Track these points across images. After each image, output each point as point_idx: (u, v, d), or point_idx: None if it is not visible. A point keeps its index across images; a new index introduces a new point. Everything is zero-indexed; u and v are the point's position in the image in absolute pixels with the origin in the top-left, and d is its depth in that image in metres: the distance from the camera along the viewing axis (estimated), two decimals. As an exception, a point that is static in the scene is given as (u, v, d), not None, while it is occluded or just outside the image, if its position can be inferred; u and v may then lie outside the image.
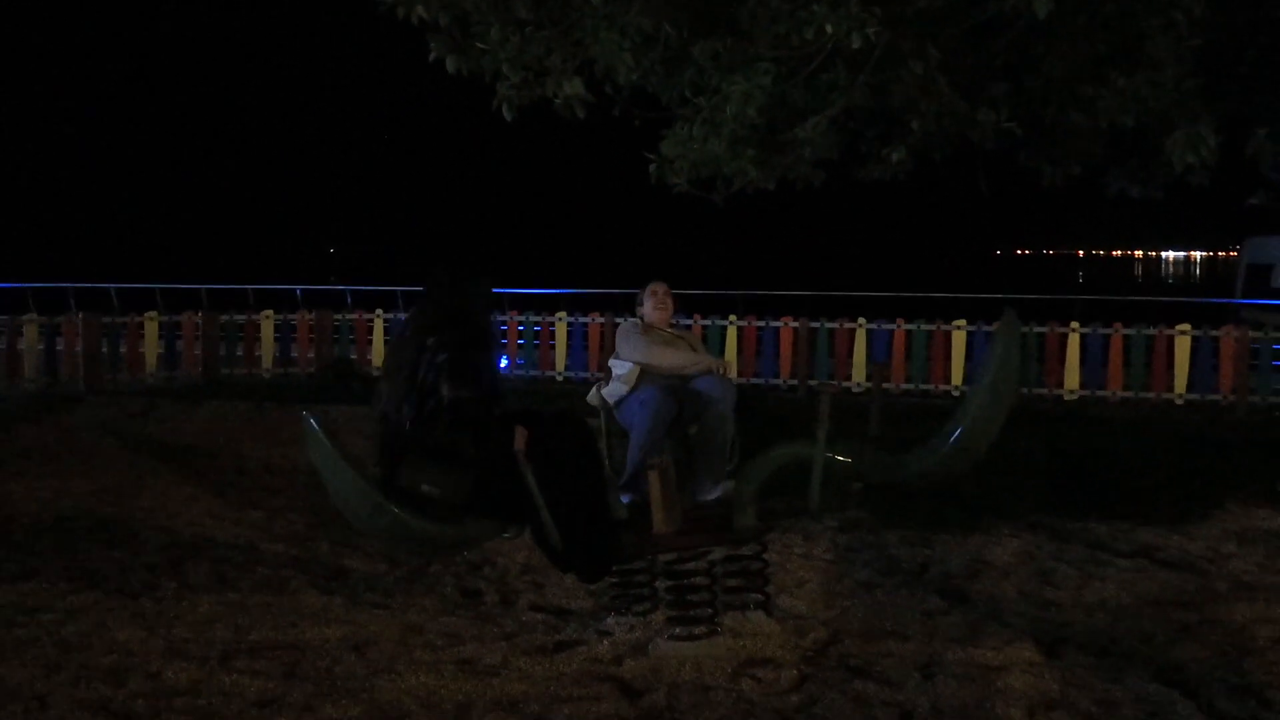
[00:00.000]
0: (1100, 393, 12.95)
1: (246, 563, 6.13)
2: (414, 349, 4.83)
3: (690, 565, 5.04)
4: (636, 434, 5.76)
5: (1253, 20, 8.08)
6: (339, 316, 15.18)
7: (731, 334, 13.83)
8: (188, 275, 27.12)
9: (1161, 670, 4.65)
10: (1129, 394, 12.87)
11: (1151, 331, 12.92)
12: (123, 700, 4.24)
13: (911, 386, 13.32)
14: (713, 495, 5.59)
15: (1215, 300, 24.37)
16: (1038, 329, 13.12)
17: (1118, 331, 12.99)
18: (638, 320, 6.55)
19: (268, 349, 14.67)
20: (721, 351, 13.44)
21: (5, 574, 5.79)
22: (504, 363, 14.82)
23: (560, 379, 14.32)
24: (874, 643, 4.95)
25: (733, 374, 6.16)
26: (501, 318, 14.88)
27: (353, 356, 14.87)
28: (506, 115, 6.99)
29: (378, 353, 14.71)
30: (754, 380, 13.64)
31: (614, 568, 5.08)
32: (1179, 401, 12.72)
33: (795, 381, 13.62)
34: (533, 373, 14.48)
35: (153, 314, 14.32)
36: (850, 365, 13.55)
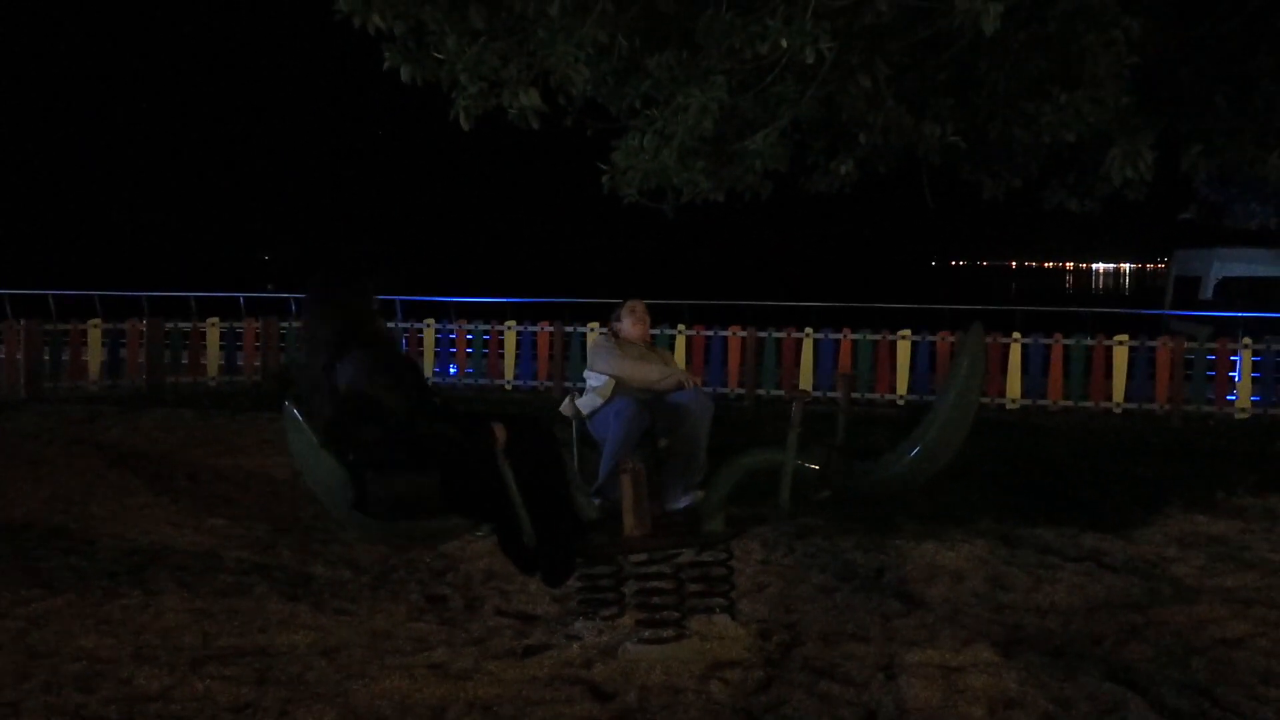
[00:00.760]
0: (1041, 401, 13.23)
1: (208, 570, 6.13)
2: (321, 371, 4.78)
3: (656, 569, 5.12)
4: (610, 443, 5.85)
5: (1187, 40, 8.34)
6: (285, 324, 15.10)
7: (680, 343, 13.95)
8: (124, 282, 26.74)
9: (1113, 669, 4.80)
10: (1069, 403, 13.17)
11: (1090, 342, 13.23)
12: (95, 706, 4.25)
13: (858, 395, 13.52)
14: (682, 504, 5.69)
15: (1146, 311, 24.91)
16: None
17: (1058, 342, 13.29)
18: (611, 335, 6.63)
19: (213, 357, 14.57)
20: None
21: (-38, 583, 5.74)
22: (452, 371, 14.83)
23: (509, 387, 14.36)
24: (836, 645, 5.07)
25: (696, 384, 6.27)
26: (450, 326, 14.90)
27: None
28: (464, 125, 7.02)
29: (324, 361, 14.65)
30: (703, 390, 13.74)
31: (580, 572, 5.15)
32: (1117, 410, 13.03)
33: (743, 390, 13.76)
34: (481, 381, 14.51)
35: (96, 321, 14.16)
36: (797, 374, 13.71)
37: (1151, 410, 12.97)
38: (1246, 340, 13.14)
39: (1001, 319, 16.13)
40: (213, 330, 14.59)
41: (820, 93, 7.53)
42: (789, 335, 13.79)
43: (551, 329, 14.28)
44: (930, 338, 13.45)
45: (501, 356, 14.55)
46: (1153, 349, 13.12)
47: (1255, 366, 13.02)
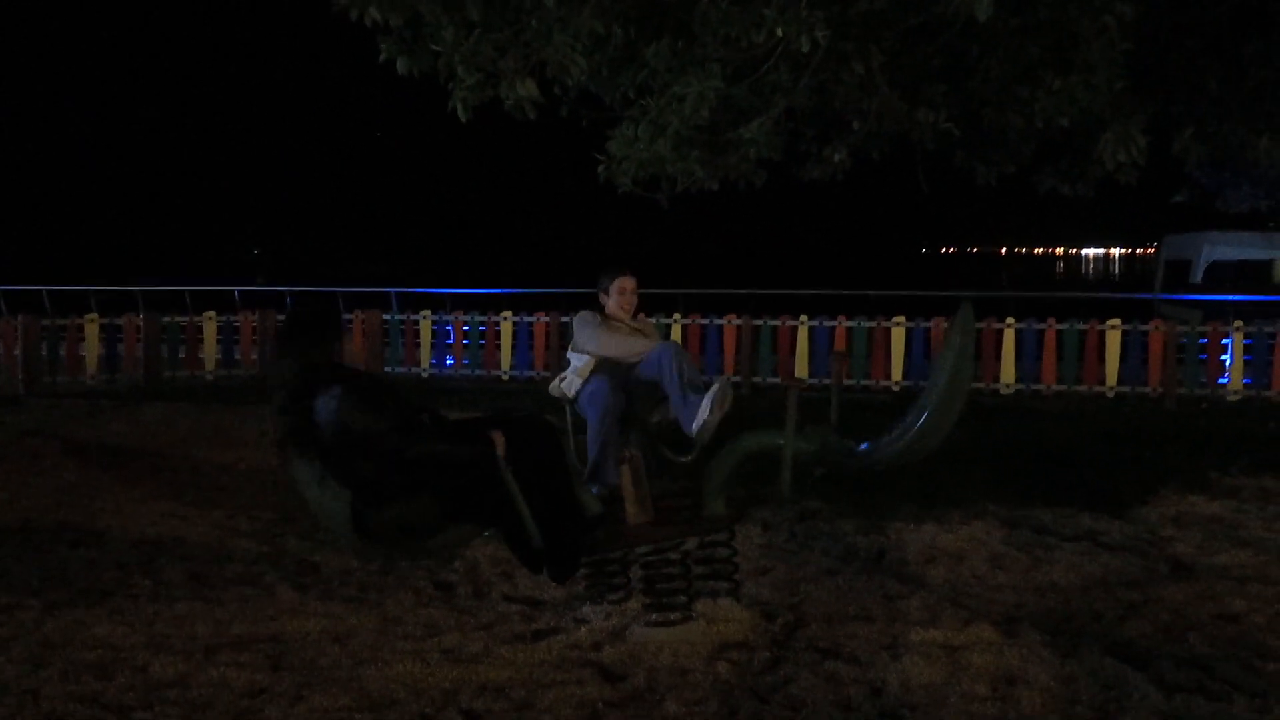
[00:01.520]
0: (1035, 386, 13.32)
1: (217, 560, 6.19)
2: (301, 407, 4.81)
3: (662, 554, 5.19)
4: (591, 428, 5.90)
5: (1179, 25, 8.40)
6: (282, 316, 15.12)
7: (676, 332, 14.01)
8: (118, 276, 26.75)
9: (1113, 646, 4.89)
10: (1063, 387, 13.26)
11: (1083, 326, 13.31)
12: (113, 693, 4.31)
13: (853, 382, 13.59)
14: (701, 418, 5.62)
15: (1136, 296, 25.02)
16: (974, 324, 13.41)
17: (1051, 326, 13.37)
18: (595, 312, 6.59)
19: (210, 350, 14.60)
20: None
21: (-27, 577, 5.79)
22: (449, 362, 14.89)
23: (506, 378, 14.41)
24: (840, 625, 5.15)
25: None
26: (446, 318, 14.94)
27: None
28: (461, 116, 7.06)
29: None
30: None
31: (587, 558, 5.21)
32: (1110, 394, 13.13)
33: (739, 378, 13.83)
34: (478, 372, 14.57)
35: (93, 316, 14.19)
36: (793, 362, 13.78)
37: (1145, 393, 13.06)
38: (1238, 323, 13.24)
39: (994, 305, 16.20)
40: (209, 324, 14.62)
41: (814, 81, 7.58)
42: (784, 323, 13.86)
43: (547, 319, 14.34)
44: (924, 324, 13.53)
45: (498, 347, 14.60)
46: (1145, 333, 13.21)
47: (1246, 349, 13.11)
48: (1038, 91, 7.35)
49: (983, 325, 13.41)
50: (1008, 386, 13.36)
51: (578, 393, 6.28)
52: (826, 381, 13.01)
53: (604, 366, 6.28)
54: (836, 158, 8.61)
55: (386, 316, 14.91)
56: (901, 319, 13.69)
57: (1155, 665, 4.65)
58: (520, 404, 11.47)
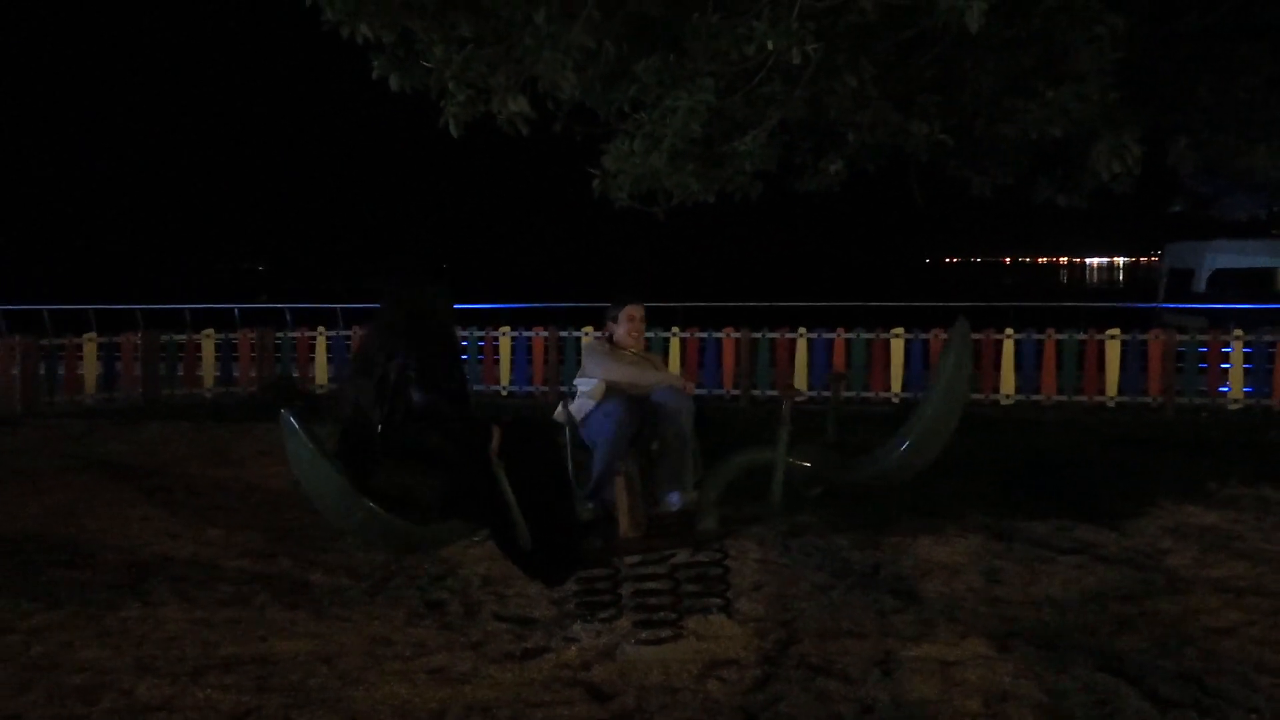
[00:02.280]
0: (1035, 397, 13.28)
1: (208, 580, 6.16)
2: (382, 356, 4.90)
3: (653, 570, 5.16)
4: (601, 445, 5.83)
5: (1170, 34, 8.39)
6: (280, 335, 15.12)
7: (675, 345, 13.99)
8: (117, 296, 26.77)
9: (1106, 660, 4.85)
10: (1063, 397, 13.22)
11: (1083, 336, 13.27)
12: (98, 717, 4.29)
13: (852, 394, 13.55)
14: (675, 505, 5.70)
15: (1139, 305, 24.97)
16: (974, 336, 13.39)
17: (1050, 337, 13.33)
18: (604, 338, 6.60)
19: (209, 368, 14.59)
20: (666, 364, 13.58)
21: (-37, 598, 5.77)
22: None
23: (505, 393, 14.39)
24: (832, 641, 5.11)
25: (690, 390, 6.22)
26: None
27: (294, 374, 14.82)
28: (453, 132, 7.06)
29: (320, 370, 14.71)
30: (698, 391, 13.76)
31: (577, 574, 5.18)
32: (1110, 404, 13.08)
33: (738, 391, 13.80)
34: (477, 387, 14.53)
35: (91, 335, 14.19)
36: (791, 374, 13.75)
37: (1145, 403, 13.02)
38: (1238, 331, 13.19)
39: (995, 316, 16.16)
40: (208, 342, 14.61)
41: (807, 93, 7.57)
42: (783, 336, 13.83)
43: (546, 334, 14.32)
44: (923, 335, 13.49)
45: (497, 362, 14.58)
46: (1145, 342, 13.16)
47: (1247, 357, 13.06)
48: (1030, 102, 7.34)
49: (982, 336, 13.39)
50: (1008, 397, 13.32)
51: (586, 415, 6.24)
52: (826, 394, 13.05)
53: (616, 390, 6.27)
54: (832, 169, 8.60)
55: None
56: (901, 330, 13.65)
57: (1149, 680, 4.62)
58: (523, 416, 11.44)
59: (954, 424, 4.78)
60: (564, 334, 14.25)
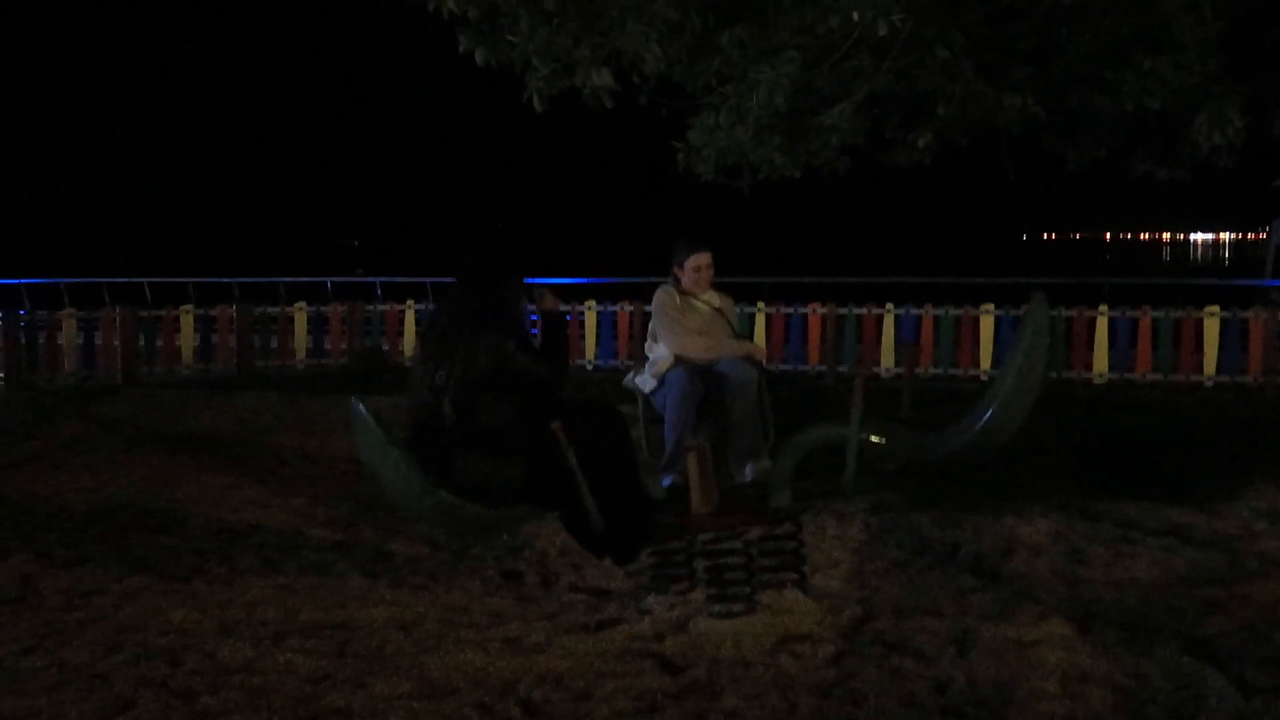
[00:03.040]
0: (1129, 375, 12.99)
1: (292, 547, 6.28)
2: (466, 337, 4.93)
3: (727, 545, 5.15)
4: (669, 416, 5.84)
5: (1275, 2, 8.11)
6: (370, 308, 15.34)
7: (760, 321, 13.92)
8: (218, 269, 27.35)
9: (1191, 644, 4.72)
10: (1158, 376, 12.91)
11: (1180, 314, 12.94)
12: (181, 678, 4.39)
13: (940, 371, 13.39)
14: (748, 479, 5.68)
15: (1245, 282, 24.28)
16: (1065, 313, 13.15)
17: (1146, 314, 13.02)
18: (671, 289, 6.49)
19: (300, 341, 14.86)
20: (751, 338, 13.53)
21: (59, 561, 5.96)
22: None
23: (590, 368, 14.44)
24: (908, 619, 5.05)
25: (760, 356, 6.16)
26: (530, 307, 15.01)
27: (384, 347, 15.03)
28: (537, 106, 7.10)
29: (408, 343, 14.89)
30: (783, 367, 13.72)
31: (651, 548, 5.19)
32: (1208, 384, 12.74)
33: (824, 367, 13.70)
34: (562, 361, 14.60)
35: (188, 307, 14.53)
36: (879, 351, 13.62)
37: (1244, 383, 12.66)
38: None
39: (1090, 293, 15.82)
40: (300, 315, 14.88)
41: (896, 65, 7.46)
42: (869, 311, 13.69)
43: (631, 308, 14.34)
44: (1014, 312, 13.25)
45: (582, 337, 14.64)
46: (1245, 320, 12.79)
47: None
48: (1127, 73, 7.16)
49: (1074, 313, 13.13)
50: (1100, 376, 13.05)
51: (654, 389, 6.26)
52: (916, 370, 12.97)
53: (682, 359, 6.25)
54: (921, 144, 8.47)
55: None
56: (990, 306, 13.43)
57: (1235, 665, 4.48)
58: (603, 393, 11.49)
59: (1031, 401, 4.69)
60: (649, 309, 14.24)
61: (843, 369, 13.59)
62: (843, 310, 13.77)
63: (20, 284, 21.39)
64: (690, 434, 5.75)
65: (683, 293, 6.35)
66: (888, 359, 13.55)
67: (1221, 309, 12.92)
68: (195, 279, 21.44)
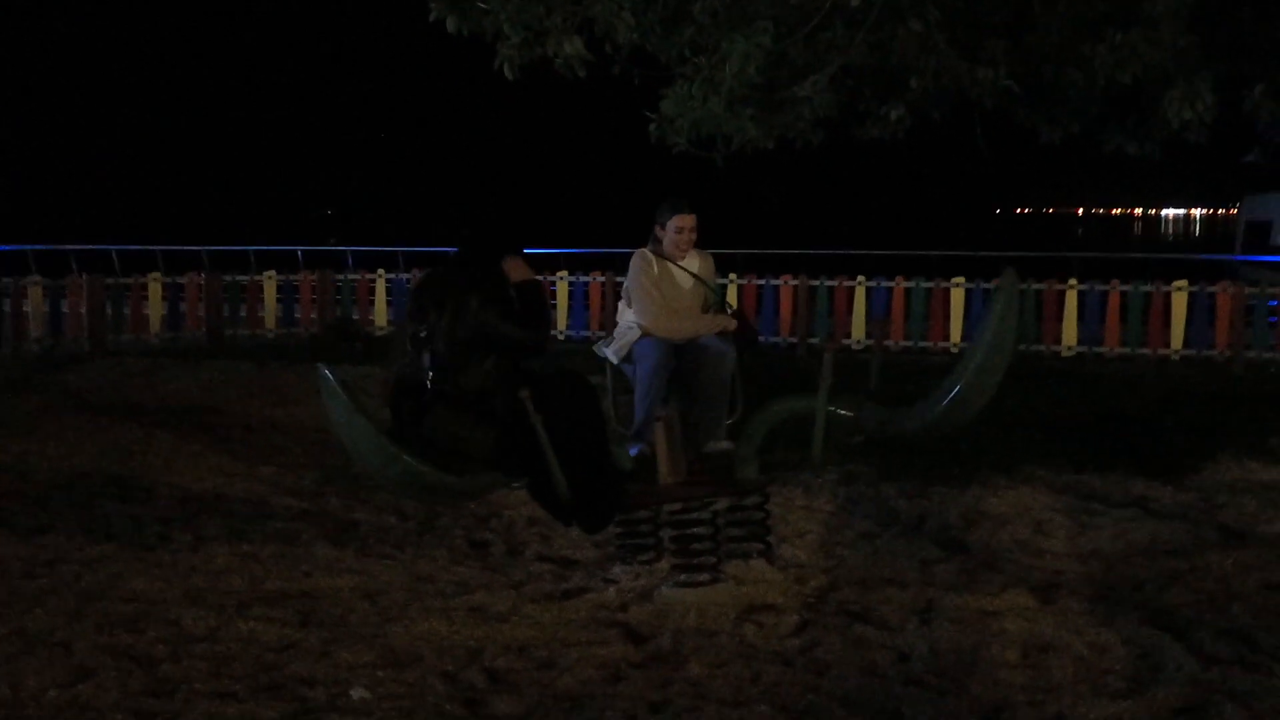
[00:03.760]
0: (1098, 349, 13.05)
1: (258, 516, 6.27)
2: (456, 299, 4.91)
3: (694, 515, 5.16)
4: (639, 387, 5.78)
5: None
6: (340, 277, 15.25)
7: (732, 292, 13.91)
8: (187, 237, 27.13)
9: (1152, 614, 4.78)
10: (1126, 350, 12.97)
11: (1148, 288, 12.99)
12: (144, 646, 4.38)
13: (910, 344, 13.42)
14: (718, 447, 5.65)
15: (1214, 257, 24.43)
16: (1036, 286, 13.20)
17: (1115, 288, 13.07)
18: (650, 255, 6.28)
19: (270, 310, 14.76)
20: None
21: (23, 528, 5.92)
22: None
23: (562, 338, 14.41)
24: (873, 590, 5.09)
25: (731, 327, 6.01)
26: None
27: (354, 316, 14.95)
28: (508, 75, 7.03)
29: (379, 313, 14.82)
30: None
31: (618, 518, 5.19)
32: (1175, 357, 12.82)
33: (795, 339, 13.72)
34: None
35: (156, 275, 14.40)
36: (850, 323, 13.64)
37: (1211, 357, 12.73)
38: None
39: (1061, 266, 15.87)
40: (270, 283, 14.77)
41: (870, 38, 7.43)
42: (841, 284, 13.71)
43: (603, 279, 14.31)
44: (985, 285, 13.28)
45: (554, 307, 14.60)
46: (1213, 295, 12.85)
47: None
48: (1099, 47, 7.14)
49: (1044, 286, 13.18)
50: (1069, 349, 13.10)
51: (624, 357, 6.13)
52: (885, 343, 13.01)
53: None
54: (894, 116, 8.42)
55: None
56: (961, 280, 13.46)
57: (1194, 635, 4.53)
58: (574, 364, 11.47)
59: (1000, 376, 4.70)
60: (620, 279, 14.20)
61: (814, 341, 13.61)
62: (814, 282, 13.77)
63: (-14, 251, 21.16)
64: (660, 405, 5.71)
65: (664, 257, 6.15)
66: (859, 331, 13.58)
67: (1190, 284, 12.98)
68: (164, 247, 21.25)
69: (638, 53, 7.89)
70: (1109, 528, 6.06)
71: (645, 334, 6.03)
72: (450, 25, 6.86)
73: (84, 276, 13.78)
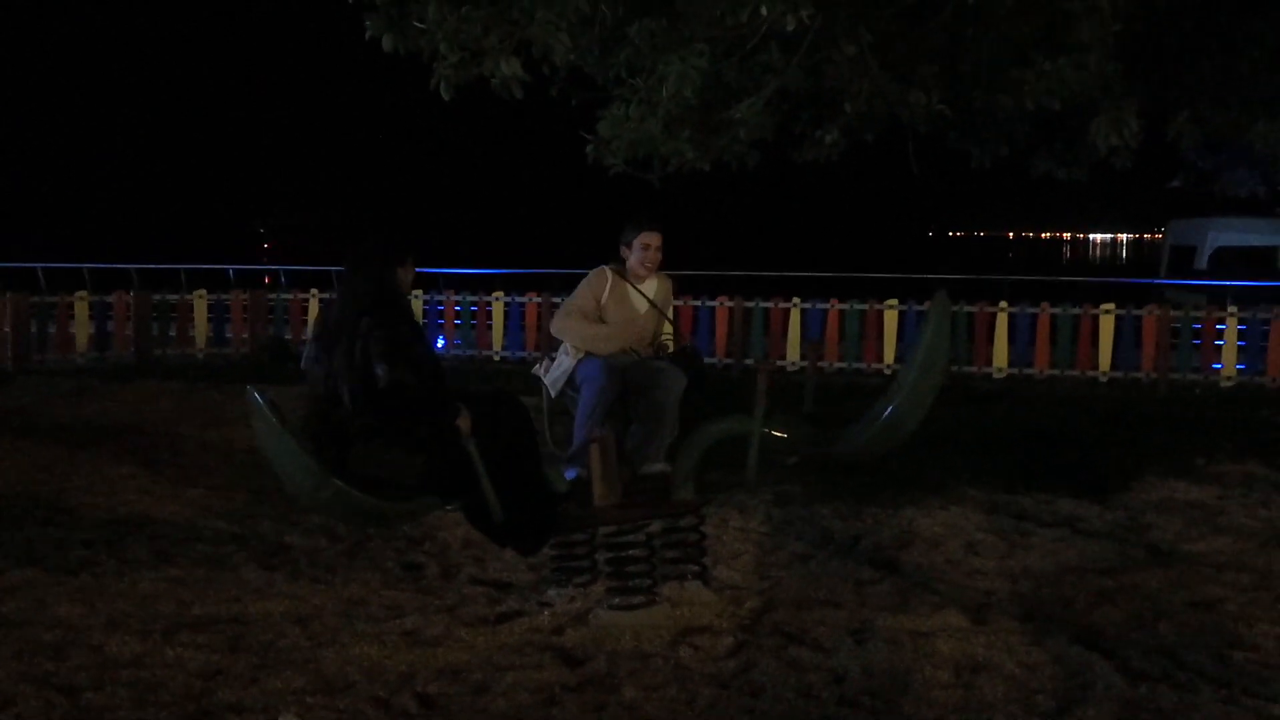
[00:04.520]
0: (1028, 371, 13.23)
1: (186, 539, 6.15)
2: (349, 328, 4.81)
3: (629, 537, 5.14)
4: (580, 410, 5.68)
5: (1173, 6, 8.29)
6: (273, 296, 15.09)
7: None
8: (115, 255, 26.68)
9: (1081, 633, 4.84)
10: (1055, 372, 13.16)
11: (1077, 311, 13.20)
12: (66, 673, 4.28)
13: (845, 365, 13.52)
14: (654, 469, 5.61)
15: (1140, 281, 24.89)
16: (967, 308, 13.36)
17: (1045, 311, 13.27)
18: (608, 271, 6.12)
19: (201, 329, 14.56)
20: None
21: (-60, 554, 5.76)
22: (440, 343, 14.82)
23: (497, 359, 14.35)
24: (808, 611, 5.10)
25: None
26: (438, 298, 14.89)
27: (287, 336, 14.78)
28: (444, 95, 6.99)
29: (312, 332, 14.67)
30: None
31: (553, 540, 5.16)
32: (1103, 379, 13.03)
33: (730, 360, 13.76)
34: (469, 352, 14.51)
35: (83, 294, 14.15)
36: (785, 344, 13.72)
37: (1138, 379, 12.96)
38: (1233, 308, 13.13)
39: (991, 289, 16.07)
40: (200, 302, 14.57)
41: (805, 61, 7.49)
42: (776, 305, 13.78)
43: (539, 300, 14.28)
44: (918, 307, 13.42)
45: (490, 328, 14.55)
46: (1139, 318, 13.09)
47: (1242, 335, 13.00)
48: (1028, 73, 7.25)
49: (975, 309, 13.34)
50: (1000, 371, 13.27)
51: (566, 376, 5.98)
52: (820, 364, 13.09)
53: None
54: (829, 139, 8.49)
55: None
56: (894, 302, 13.59)
57: (1122, 653, 4.60)
58: (509, 384, 11.42)
59: (932, 398, 4.74)
60: (557, 300, 14.19)
61: (749, 362, 13.66)
62: (750, 304, 13.84)
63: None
64: (597, 426, 5.67)
65: (624, 279, 6.03)
66: (794, 353, 13.66)
67: (1118, 307, 13.21)
68: (91, 264, 20.87)
69: (575, 74, 7.90)
70: (1039, 547, 6.13)
71: (588, 354, 5.96)
72: (386, 44, 6.82)
73: (8, 295, 13.50)
